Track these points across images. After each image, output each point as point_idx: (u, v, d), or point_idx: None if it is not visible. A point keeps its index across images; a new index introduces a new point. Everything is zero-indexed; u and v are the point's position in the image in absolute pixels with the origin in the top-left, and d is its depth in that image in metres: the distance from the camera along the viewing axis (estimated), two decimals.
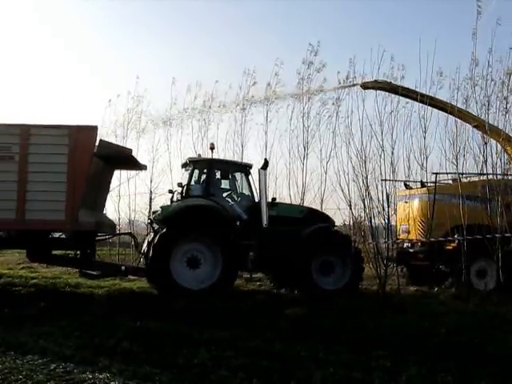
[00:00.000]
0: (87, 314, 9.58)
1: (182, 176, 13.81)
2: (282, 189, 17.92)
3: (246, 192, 13.36)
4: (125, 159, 13.13)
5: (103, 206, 14.32)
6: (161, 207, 12.90)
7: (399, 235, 15.19)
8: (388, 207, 13.60)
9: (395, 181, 13.82)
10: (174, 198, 13.27)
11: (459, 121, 14.26)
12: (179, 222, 11.90)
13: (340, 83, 15.51)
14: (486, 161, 13.55)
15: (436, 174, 14.02)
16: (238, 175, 13.52)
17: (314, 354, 7.04)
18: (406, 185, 15.10)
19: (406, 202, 14.60)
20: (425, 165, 14.19)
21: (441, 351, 7.20)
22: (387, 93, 14.27)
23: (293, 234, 12.44)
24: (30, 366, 6.45)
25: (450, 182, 14.81)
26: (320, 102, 17.38)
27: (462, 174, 13.95)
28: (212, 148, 13.83)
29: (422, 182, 14.56)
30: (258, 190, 12.85)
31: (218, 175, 13.35)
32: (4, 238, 12.43)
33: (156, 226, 13.15)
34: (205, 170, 13.07)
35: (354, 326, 8.60)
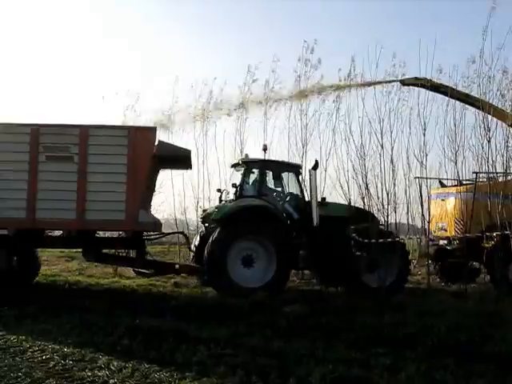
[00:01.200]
0: (87, 311, 9.57)
1: (232, 176, 14.12)
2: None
3: (297, 192, 13.57)
4: (178, 159, 13.21)
5: (150, 205, 14.31)
6: (216, 207, 13.19)
7: (434, 232, 15.31)
8: (422, 205, 13.83)
9: (429, 179, 13.95)
10: (223, 197, 13.69)
11: (458, 118, 14.25)
12: (235, 221, 12.09)
13: (340, 80, 15.38)
14: (487, 158, 13.54)
15: (476, 173, 14.00)
16: (288, 175, 13.70)
17: (313, 352, 7.04)
18: (441, 183, 15.15)
19: (443, 200, 14.61)
20: (424, 162, 14.17)
21: (440, 349, 7.19)
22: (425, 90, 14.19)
23: (341, 232, 12.58)
24: (30, 363, 6.48)
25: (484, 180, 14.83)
26: (319, 100, 17.33)
27: (504, 173, 13.95)
28: (265, 149, 13.92)
29: (459, 180, 14.55)
30: (308, 190, 13.05)
31: (269, 175, 13.55)
32: (64, 237, 12.64)
33: (207, 225, 13.49)
34: (257, 171, 13.30)
35: (353, 323, 8.61)
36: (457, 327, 8.26)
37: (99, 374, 6.03)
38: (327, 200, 13.71)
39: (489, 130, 13.51)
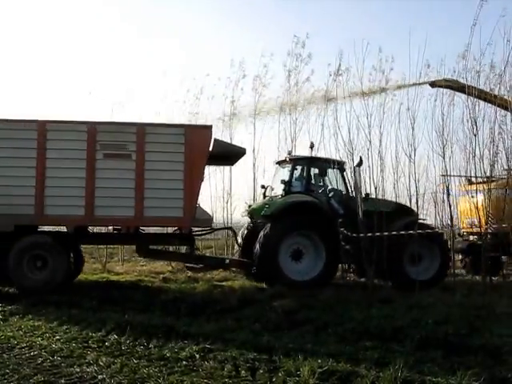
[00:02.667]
0: (75, 307, 9.56)
1: (276, 172, 14.58)
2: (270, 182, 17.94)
3: (341, 188, 13.97)
4: (231, 157, 13.41)
5: None
6: (266, 203, 13.43)
7: (462, 228, 15.89)
8: (449, 201, 14.00)
9: (457, 176, 14.10)
10: (267, 193, 14.27)
11: (446, 113, 14.30)
12: (285, 217, 12.51)
13: (330, 75, 15.33)
14: (474, 152, 13.61)
15: (509, 170, 14.15)
16: (333, 171, 14.02)
17: (302, 346, 7.05)
18: (469, 180, 15.28)
19: (473, 197, 14.74)
20: (413, 156, 14.22)
21: (428, 342, 7.22)
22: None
23: (384, 227, 12.73)
24: (17, 360, 6.44)
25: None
26: (309, 94, 17.38)
27: None
28: (311, 147, 14.10)
29: (490, 177, 14.63)
30: (352, 186, 13.41)
31: (315, 172, 13.89)
32: (122, 234, 12.80)
33: (254, 220, 13.96)
34: (304, 167, 13.75)
35: (342, 317, 8.64)
36: (444, 320, 8.32)
37: (88, 369, 6.00)
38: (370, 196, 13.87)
39: (475, 124, 13.56)
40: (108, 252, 18.28)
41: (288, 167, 13.94)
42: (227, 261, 13.60)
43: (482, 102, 13.96)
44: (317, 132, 16.51)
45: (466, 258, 16.63)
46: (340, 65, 14.42)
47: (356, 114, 13.41)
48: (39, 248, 11.63)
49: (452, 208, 13.97)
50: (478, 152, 13.47)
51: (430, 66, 14.29)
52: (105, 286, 12.44)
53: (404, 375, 5.68)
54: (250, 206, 15.02)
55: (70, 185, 11.60)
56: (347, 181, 13.87)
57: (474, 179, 14.71)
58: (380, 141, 13.44)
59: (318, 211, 12.78)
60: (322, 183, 14.01)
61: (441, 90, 14.43)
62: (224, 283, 13.47)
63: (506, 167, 13.69)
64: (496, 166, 13.73)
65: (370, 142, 13.30)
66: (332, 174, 14.05)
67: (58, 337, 7.52)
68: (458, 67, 14.00)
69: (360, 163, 12.99)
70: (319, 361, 6.18)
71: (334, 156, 13.76)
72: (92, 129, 11.72)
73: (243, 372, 5.99)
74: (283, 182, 13.47)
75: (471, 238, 16.13)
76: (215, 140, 12.32)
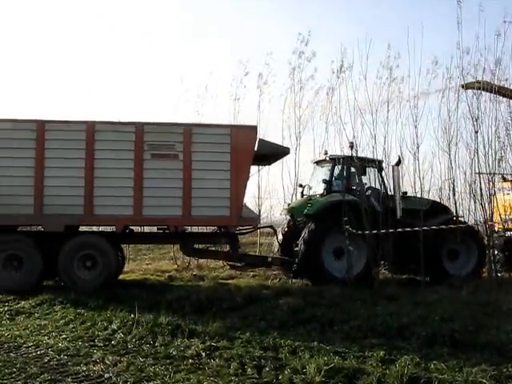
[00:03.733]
0: (81, 306, 9.59)
1: (314, 171, 14.72)
2: (274, 178, 17.97)
3: (379, 186, 14.07)
4: (274, 157, 13.61)
5: None
6: (309, 202, 13.43)
7: (498, 224, 15.61)
8: (484, 200, 13.68)
9: (493, 174, 13.99)
10: (305, 192, 14.46)
11: (452, 110, 14.24)
12: (328, 215, 12.71)
13: (333, 72, 15.26)
14: (477, 149, 13.57)
15: None
16: (372, 170, 14.16)
17: (308, 343, 7.07)
18: (503, 178, 15.27)
19: (508, 194, 14.88)
20: (417, 154, 14.19)
21: (434, 339, 7.22)
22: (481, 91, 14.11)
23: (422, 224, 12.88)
24: (24, 358, 6.48)
25: None
26: (313, 92, 17.35)
27: None
28: (351, 146, 13.92)
29: None
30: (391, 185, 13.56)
31: (355, 171, 13.92)
32: (166, 234, 12.99)
33: (294, 219, 14.11)
34: (345, 167, 13.80)
35: (348, 315, 8.62)
36: (450, 317, 8.29)
37: (94, 368, 6.03)
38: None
39: (476, 121, 13.52)
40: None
41: (327, 166, 14.13)
42: (269, 259, 13.64)
43: (486, 99, 13.87)
44: (321, 129, 16.50)
45: (501, 254, 16.46)
46: (343, 61, 14.36)
47: (360, 111, 13.44)
48: (89, 248, 11.88)
49: (488, 205, 13.84)
50: (483, 149, 13.45)
51: (437, 62, 14.25)
52: (110, 285, 12.45)
53: (410, 372, 5.68)
54: (288, 205, 15.17)
55: (118, 185, 11.86)
56: (385, 179, 14.02)
57: (508, 176, 14.74)
58: (385, 137, 13.43)
59: (358, 210, 12.80)
60: (361, 182, 13.99)
61: (448, 86, 14.36)
62: (230, 281, 13.48)
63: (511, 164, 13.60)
64: (502, 162, 13.67)
65: (375, 138, 13.32)
66: (370, 172, 14.20)
67: (64, 335, 7.57)
68: (461, 63, 13.91)
69: (399, 162, 13.20)
70: (325, 358, 6.19)
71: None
72: (140, 129, 11.98)
73: (249, 370, 6.01)
74: (324, 181, 13.69)
75: (507, 234, 16.05)
76: (260, 140, 12.58)
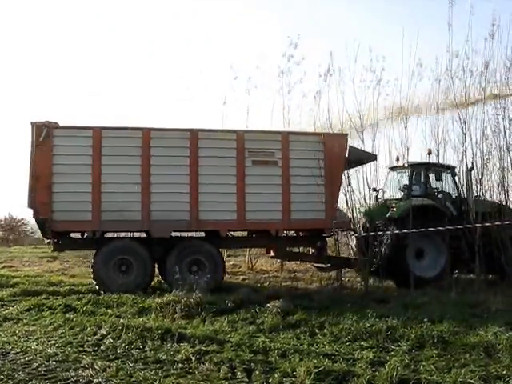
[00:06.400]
0: (70, 311, 9.54)
1: (388, 177, 15.26)
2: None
3: (453, 190, 14.84)
4: (362, 163, 13.87)
5: None
6: (395, 207, 14.05)
7: None
8: None
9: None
10: (379, 196, 14.88)
11: (440, 112, 14.37)
12: (411, 219, 13.01)
13: (320, 76, 15.30)
14: (465, 151, 13.73)
15: None
16: (447, 176, 14.76)
17: (298, 347, 7.08)
18: None
19: None
20: (406, 156, 14.30)
21: (423, 341, 7.24)
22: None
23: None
24: (12, 365, 6.41)
25: None
26: (301, 95, 17.31)
27: None
28: (429, 153, 14.43)
29: None
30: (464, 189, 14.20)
31: (432, 176, 14.76)
32: (247, 237, 14.03)
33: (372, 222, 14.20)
34: (422, 172, 14.66)
35: (337, 317, 8.63)
36: (440, 319, 8.33)
37: (83, 374, 5.99)
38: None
39: (464, 123, 13.65)
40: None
41: (404, 172, 14.88)
42: (352, 260, 13.91)
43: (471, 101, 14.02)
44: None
45: None
46: (330, 65, 14.37)
47: (349, 115, 13.53)
48: (196, 253, 12.46)
49: None
50: (470, 151, 13.61)
51: (422, 65, 14.35)
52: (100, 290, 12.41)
53: (400, 374, 5.69)
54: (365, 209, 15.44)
55: (222, 191, 12.46)
56: (458, 184, 14.65)
57: None
58: (373, 141, 13.50)
59: (437, 213, 13.48)
60: (437, 187, 14.80)
61: (434, 89, 14.49)
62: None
63: (498, 166, 13.70)
64: (489, 164, 13.80)
65: (363, 140, 13.41)
66: (446, 177, 14.75)
67: (52, 341, 7.51)
68: (450, 65, 14.00)
69: (472, 168, 13.64)
70: (315, 361, 6.18)
71: None
72: (241, 137, 12.56)
73: (239, 373, 6.00)
74: (405, 186, 14.46)
75: None
76: (351, 147, 13.14)
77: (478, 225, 12.83)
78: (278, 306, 9.27)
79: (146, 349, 7.04)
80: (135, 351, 6.96)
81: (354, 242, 14.38)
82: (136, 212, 12.10)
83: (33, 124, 11.88)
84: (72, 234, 12.92)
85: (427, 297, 10.54)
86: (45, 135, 11.77)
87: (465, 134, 13.61)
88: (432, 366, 6.13)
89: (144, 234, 12.90)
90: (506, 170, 13.58)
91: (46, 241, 13.21)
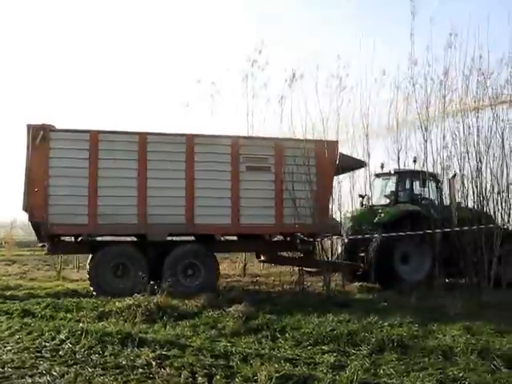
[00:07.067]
0: (28, 316, 9.34)
1: (373, 183, 15.68)
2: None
3: (436, 197, 15.22)
4: (352, 169, 14.53)
5: None
6: (382, 212, 14.47)
7: None
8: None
9: None
10: (364, 202, 15.51)
11: (400, 119, 14.66)
12: (398, 224, 13.77)
13: (286, 81, 15.30)
14: (426, 158, 14.01)
15: None
16: (430, 183, 15.12)
17: (259, 351, 7.08)
18: None
19: None
20: (368, 162, 14.54)
21: (383, 345, 7.32)
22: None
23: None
24: None
25: None
26: (265, 100, 17.35)
27: None
28: (415, 161, 14.79)
29: None
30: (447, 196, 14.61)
31: (417, 183, 15.19)
32: (238, 241, 14.17)
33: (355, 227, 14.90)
34: (407, 180, 15.17)
35: (299, 322, 8.67)
36: (399, 323, 8.45)
37: (40, 380, 5.86)
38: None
39: (426, 130, 13.91)
40: (63, 259, 17.90)
41: (390, 179, 15.38)
42: (342, 265, 14.18)
43: (432, 108, 14.28)
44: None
45: None
46: (295, 70, 14.46)
47: (312, 121, 13.69)
48: (192, 257, 12.59)
49: None
50: (430, 157, 13.87)
51: (385, 72, 14.61)
52: (59, 294, 12.19)
53: (360, 378, 5.76)
54: (350, 214, 15.77)
55: (217, 195, 12.63)
56: (441, 191, 15.03)
57: None
58: (337, 148, 13.61)
59: (422, 219, 13.90)
60: (421, 193, 15.27)
61: (396, 96, 14.75)
62: None
63: (458, 171, 13.95)
64: (449, 170, 14.08)
65: (326, 147, 13.50)
66: (430, 184, 15.12)
67: (9, 347, 7.29)
68: (410, 73, 14.25)
69: (454, 175, 13.96)
70: (276, 365, 6.18)
71: None
72: (235, 143, 12.69)
73: (200, 378, 5.95)
74: (392, 192, 15.05)
75: None
76: (341, 154, 13.38)
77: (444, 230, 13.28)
78: (240, 311, 9.26)
79: (106, 354, 6.92)
80: (95, 356, 6.82)
81: (340, 246, 14.72)
82: (132, 215, 12.15)
83: (29, 126, 11.80)
84: (66, 238, 12.97)
85: (388, 302, 10.67)
86: (41, 138, 11.67)
87: (426, 141, 13.86)
88: (392, 370, 6.21)
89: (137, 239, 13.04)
90: (465, 177, 13.81)
91: (40, 244, 12.97)
